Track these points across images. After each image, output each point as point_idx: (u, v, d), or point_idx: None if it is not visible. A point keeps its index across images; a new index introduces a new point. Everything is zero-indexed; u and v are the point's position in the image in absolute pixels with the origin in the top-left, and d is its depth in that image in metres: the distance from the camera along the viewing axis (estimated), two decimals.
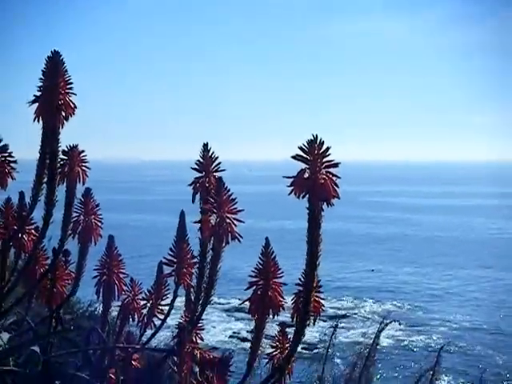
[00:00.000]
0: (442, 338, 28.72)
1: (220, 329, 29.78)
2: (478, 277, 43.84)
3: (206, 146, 3.19)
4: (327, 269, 38.28)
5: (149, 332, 3.42)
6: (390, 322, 5.06)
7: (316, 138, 2.45)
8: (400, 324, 29.88)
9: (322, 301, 3.30)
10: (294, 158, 2.46)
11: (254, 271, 2.88)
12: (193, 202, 3.14)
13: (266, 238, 2.87)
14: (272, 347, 3.69)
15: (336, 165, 2.46)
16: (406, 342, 29.45)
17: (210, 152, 3.19)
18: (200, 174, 3.18)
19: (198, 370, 3.01)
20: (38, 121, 3.01)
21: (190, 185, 3.17)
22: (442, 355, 5.49)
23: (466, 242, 58.39)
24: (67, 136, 3.18)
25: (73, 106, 3.06)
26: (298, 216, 2.58)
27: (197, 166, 3.19)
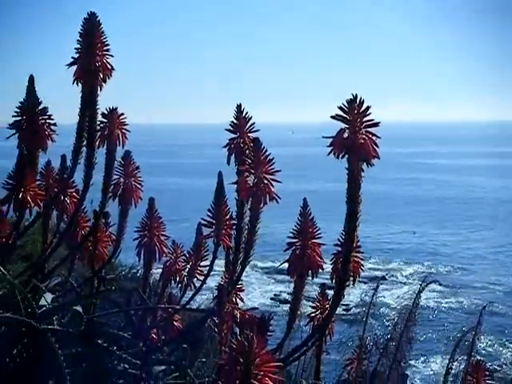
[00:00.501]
0: (482, 300, 28.53)
1: (260, 291, 30.00)
2: None
3: (239, 106, 3.16)
4: (367, 231, 38.20)
5: (189, 293, 3.46)
6: (431, 283, 5.03)
7: (356, 97, 2.41)
8: (440, 285, 29.73)
9: (361, 262, 3.30)
10: (333, 117, 2.43)
11: (292, 232, 2.87)
12: (228, 163, 3.13)
13: (304, 199, 2.86)
14: (312, 308, 3.71)
15: (376, 124, 2.42)
16: (446, 303, 29.38)
17: (244, 113, 3.16)
18: (234, 135, 3.18)
19: (237, 330, 3.03)
20: (77, 83, 3.02)
21: (225, 146, 3.16)
22: (484, 316, 5.44)
23: (509, 203, 57.55)
24: (105, 99, 3.19)
25: (110, 67, 3.06)
26: (340, 178, 2.55)
27: (231, 128, 3.18)
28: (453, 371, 5.09)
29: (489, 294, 31.10)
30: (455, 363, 5.12)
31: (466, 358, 4.94)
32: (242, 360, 1.75)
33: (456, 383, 4.80)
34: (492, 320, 24.93)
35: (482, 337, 5.31)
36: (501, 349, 22.98)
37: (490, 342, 22.85)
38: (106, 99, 3.19)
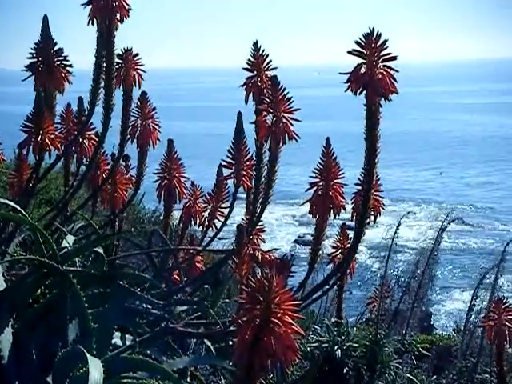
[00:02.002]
0: (505, 239, 28.46)
1: (283, 234, 30.07)
2: None
3: (255, 44, 3.06)
4: (389, 173, 38.08)
5: (211, 234, 3.47)
6: (453, 221, 4.99)
7: (372, 31, 2.34)
8: (464, 223, 29.60)
9: (381, 200, 3.28)
10: (349, 53, 2.37)
11: (314, 172, 2.85)
12: (246, 102, 3.07)
13: (327, 139, 2.83)
14: (333, 248, 3.71)
15: (394, 58, 2.35)
16: (468, 242, 29.37)
17: (261, 50, 3.06)
18: (252, 74, 3.11)
19: (258, 270, 3.04)
20: (93, 23, 2.97)
21: (242, 85, 3.10)
22: (506, 255, 5.42)
23: None
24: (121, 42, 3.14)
25: (127, 7, 3.00)
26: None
27: (248, 66, 3.11)
28: (476, 308, 5.10)
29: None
30: (478, 300, 5.12)
31: (488, 295, 4.94)
32: (261, 299, 1.75)
33: (479, 319, 4.81)
34: None
35: (504, 274, 5.30)
36: None
37: None
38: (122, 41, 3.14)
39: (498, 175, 44.09)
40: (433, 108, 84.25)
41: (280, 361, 1.76)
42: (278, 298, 1.75)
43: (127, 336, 2.55)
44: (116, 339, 2.48)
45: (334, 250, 3.69)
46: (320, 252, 3.01)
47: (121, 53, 3.25)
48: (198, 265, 3.59)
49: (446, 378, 4.62)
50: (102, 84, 3.06)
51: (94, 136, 3.44)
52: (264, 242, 3.46)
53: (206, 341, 2.90)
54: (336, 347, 3.34)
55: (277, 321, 1.73)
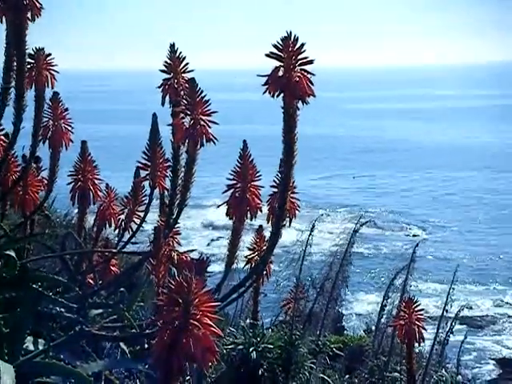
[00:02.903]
0: (414, 242, 29.31)
1: (198, 238, 30.00)
2: (457, 178, 44.78)
3: (172, 46, 3.06)
4: (304, 177, 38.59)
5: (126, 237, 3.43)
6: (366, 223, 5.12)
7: (290, 34, 2.37)
8: (376, 224, 30.22)
9: (297, 202, 3.31)
10: (267, 56, 2.39)
11: (231, 174, 2.86)
12: (162, 104, 3.06)
13: (244, 141, 2.84)
14: (249, 250, 3.73)
15: (311, 61, 2.39)
16: (380, 245, 30.08)
17: (178, 53, 3.06)
18: (168, 76, 3.10)
19: (175, 272, 3.03)
20: (1, 21, 2.88)
21: (159, 87, 3.09)
22: (417, 256, 5.59)
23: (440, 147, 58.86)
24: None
25: (39, 5, 2.92)
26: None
27: (164, 68, 3.09)
28: (387, 308, 5.24)
29: (425, 233, 32.16)
30: (389, 300, 5.26)
31: (399, 295, 5.08)
32: (180, 300, 1.74)
33: (390, 319, 4.94)
34: (426, 261, 25.82)
35: (413, 276, 5.46)
36: (432, 286, 23.68)
37: (421, 281, 23.53)
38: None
39: (411, 182, 45.47)
40: (348, 114, 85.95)
41: (199, 363, 1.76)
42: (196, 300, 1.75)
43: (40, 340, 2.49)
44: (28, 344, 2.41)
45: (251, 253, 3.72)
46: (237, 254, 3.02)
47: (32, 53, 3.17)
48: (113, 268, 3.54)
49: (358, 377, 4.73)
50: (13, 83, 2.97)
51: (3, 137, 3.33)
52: (180, 244, 3.45)
53: (121, 344, 2.87)
54: (251, 349, 3.36)
55: (196, 322, 1.73)
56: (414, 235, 31.77)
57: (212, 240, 29.61)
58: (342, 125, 74.34)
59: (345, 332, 13.77)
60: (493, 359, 19.11)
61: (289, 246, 5.17)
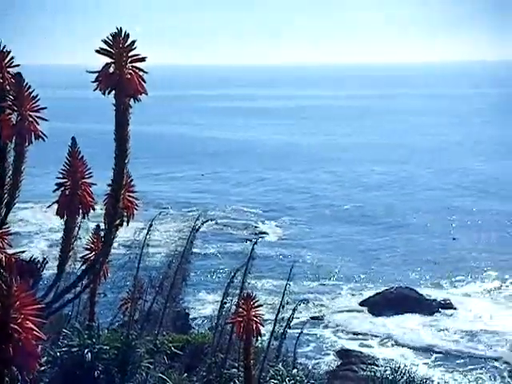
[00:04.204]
0: (261, 238, 30.00)
1: (44, 239, 29.01)
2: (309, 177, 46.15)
3: None
4: (145, 175, 38.27)
5: None
6: (207, 221, 5.15)
7: (120, 30, 2.33)
8: (217, 223, 30.48)
9: (135, 201, 3.28)
10: (98, 52, 2.34)
11: (61, 172, 2.77)
12: None
13: (73, 138, 2.75)
14: (86, 249, 3.65)
15: (143, 59, 2.37)
16: (225, 242, 30.45)
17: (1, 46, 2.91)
18: None
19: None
20: None
21: None
22: (258, 254, 5.70)
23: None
24: None
25: None
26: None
27: None
28: (227, 305, 5.30)
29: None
30: (229, 298, 5.33)
31: (238, 292, 5.16)
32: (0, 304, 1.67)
33: (229, 315, 5.01)
34: (268, 260, 26.46)
35: (254, 273, 5.56)
36: (274, 283, 24.25)
37: (263, 278, 24.05)
38: None
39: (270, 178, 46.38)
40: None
41: (21, 369, 1.70)
42: (17, 303, 1.68)
43: None
44: None
45: (87, 252, 3.64)
46: (71, 254, 2.94)
47: None
48: None
49: (197, 375, 4.75)
50: None
51: None
52: (11, 245, 3.30)
53: None
54: (86, 351, 3.29)
55: (16, 327, 1.66)
56: (259, 233, 32.43)
57: (57, 241, 28.69)
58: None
59: (191, 330, 13.84)
60: (333, 350, 19.91)
61: (128, 244, 5.10)
